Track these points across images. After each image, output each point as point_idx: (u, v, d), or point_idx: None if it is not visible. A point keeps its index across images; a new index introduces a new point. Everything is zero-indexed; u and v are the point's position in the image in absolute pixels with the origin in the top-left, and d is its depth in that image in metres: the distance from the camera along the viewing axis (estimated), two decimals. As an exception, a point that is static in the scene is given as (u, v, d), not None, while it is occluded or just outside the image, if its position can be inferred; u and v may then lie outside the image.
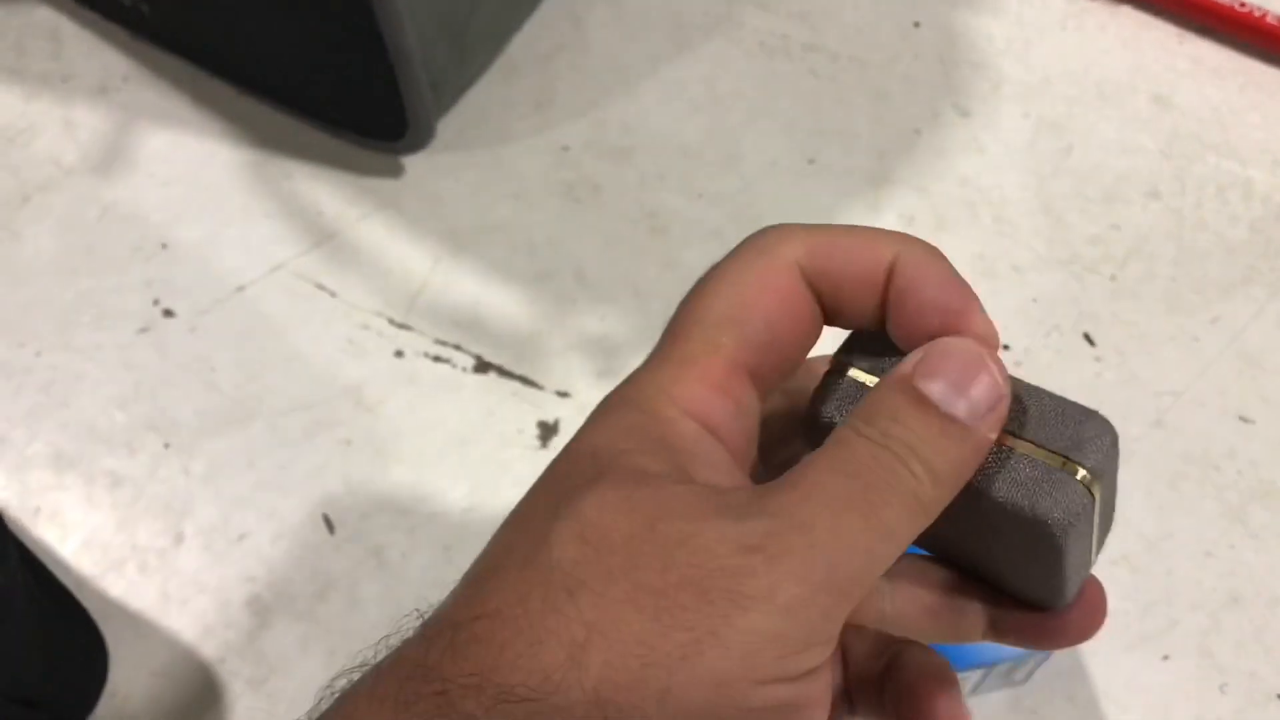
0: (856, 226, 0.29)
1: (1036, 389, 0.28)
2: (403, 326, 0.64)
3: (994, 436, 0.26)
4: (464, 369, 0.63)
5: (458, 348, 0.63)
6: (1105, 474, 0.27)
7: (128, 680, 0.55)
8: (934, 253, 0.28)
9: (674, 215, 0.67)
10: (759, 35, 0.73)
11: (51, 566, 0.57)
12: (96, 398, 0.62)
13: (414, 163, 0.69)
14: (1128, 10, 0.74)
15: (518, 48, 0.73)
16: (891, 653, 0.32)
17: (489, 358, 0.63)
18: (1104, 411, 0.28)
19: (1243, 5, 0.71)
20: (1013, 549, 0.28)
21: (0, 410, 0.62)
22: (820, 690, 0.26)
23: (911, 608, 0.30)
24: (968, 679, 0.51)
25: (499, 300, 0.65)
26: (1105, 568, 0.57)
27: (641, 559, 0.24)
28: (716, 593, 0.24)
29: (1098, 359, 0.63)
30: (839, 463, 0.26)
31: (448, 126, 0.69)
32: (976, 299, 0.28)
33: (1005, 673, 0.52)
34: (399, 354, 0.63)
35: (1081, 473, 0.26)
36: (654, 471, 0.26)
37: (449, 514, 0.59)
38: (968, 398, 0.26)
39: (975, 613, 0.30)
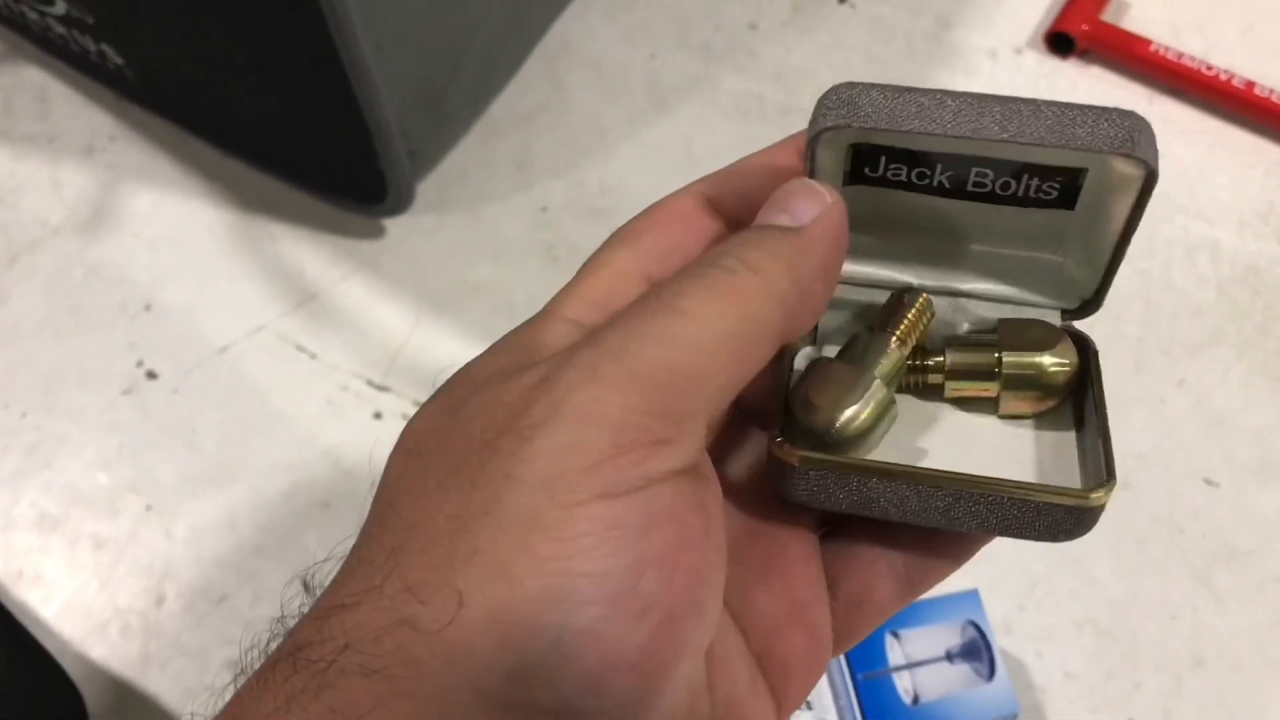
0: (761, 152, 0.30)
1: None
2: (381, 388, 0.65)
3: (830, 237, 0.26)
4: (442, 431, 0.63)
5: (436, 409, 0.64)
6: None
7: (107, 744, 0.56)
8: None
9: (651, 276, 0.68)
10: (735, 97, 0.74)
11: (34, 629, 0.57)
12: (80, 460, 0.63)
13: (395, 224, 0.70)
14: (1098, 71, 0.75)
15: (498, 108, 0.74)
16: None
17: (467, 419, 0.64)
18: None
19: (1210, 68, 0.72)
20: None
21: (-15, 471, 0.63)
22: (669, 511, 0.23)
23: (916, 548, 0.29)
24: (932, 747, 0.52)
25: (477, 361, 0.66)
26: (1071, 631, 0.58)
27: (447, 445, 0.24)
28: (505, 439, 0.22)
29: (1066, 421, 0.64)
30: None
31: (428, 187, 0.70)
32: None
33: (970, 738, 0.53)
34: (378, 415, 0.64)
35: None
36: (495, 369, 0.25)
37: (426, 576, 0.60)
38: (788, 210, 0.26)
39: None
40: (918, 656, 0.52)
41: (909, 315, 0.29)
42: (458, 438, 0.24)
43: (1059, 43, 0.75)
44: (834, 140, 0.27)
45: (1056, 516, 0.27)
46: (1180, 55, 0.73)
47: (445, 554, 0.22)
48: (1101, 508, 0.27)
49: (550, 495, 0.22)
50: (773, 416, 0.28)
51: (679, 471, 0.23)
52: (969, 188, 0.27)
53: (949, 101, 0.26)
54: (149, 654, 0.58)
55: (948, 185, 0.27)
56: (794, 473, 0.27)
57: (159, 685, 0.58)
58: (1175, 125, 0.73)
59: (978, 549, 0.30)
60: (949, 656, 0.52)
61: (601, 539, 0.21)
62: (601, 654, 0.21)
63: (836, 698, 0.51)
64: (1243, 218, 0.70)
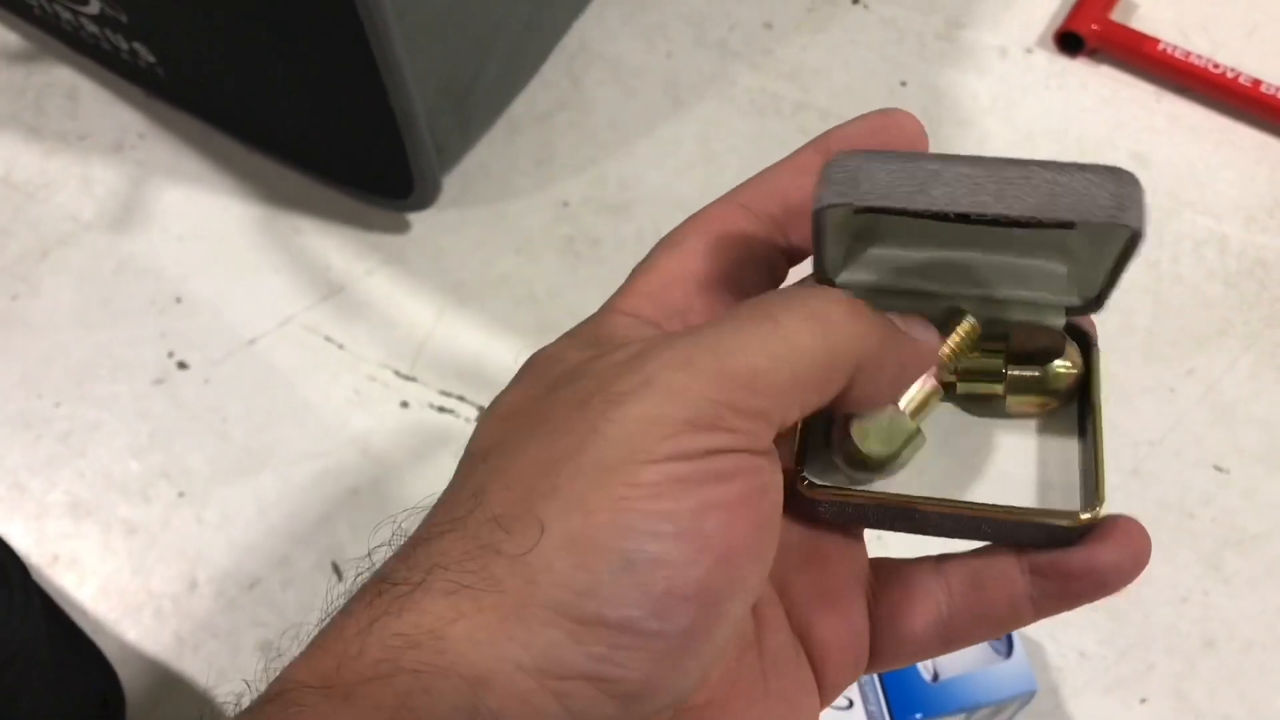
0: (785, 158, 0.31)
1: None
2: (408, 378, 0.66)
3: (920, 355, 0.28)
4: (467, 420, 0.65)
5: (461, 399, 0.66)
6: None
7: (143, 723, 0.58)
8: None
9: (670, 269, 0.69)
10: (751, 94, 0.76)
11: (69, 611, 0.59)
12: (112, 447, 0.65)
13: (419, 218, 0.71)
14: (1107, 70, 0.77)
15: (519, 106, 0.75)
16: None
17: (491, 408, 0.65)
18: None
19: (1217, 66, 0.74)
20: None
21: (19, 459, 0.64)
22: (732, 472, 0.25)
23: (960, 602, 0.30)
24: (951, 723, 0.53)
25: (502, 352, 0.67)
26: (1084, 612, 0.59)
27: (538, 408, 0.26)
28: (595, 400, 0.25)
29: (1078, 410, 0.65)
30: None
31: (451, 183, 0.72)
32: None
33: (988, 717, 0.54)
34: (404, 405, 0.65)
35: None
36: (574, 352, 0.28)
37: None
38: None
39: (1014, 578, 0.30)
40: (937, 635, 0.53)
41: (948, 343, 0.30)
42: (547, 402, 0.26)
43: (1068, 42, 0.77)
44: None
45: (1053, 532, 0.29)
46: (1188, 54, 0.75)
47: (527, 491, 0.24)
48: (1094, 524, 0.29)
49: (629, 450, 0.24)
50: (799, 447, 0.30)
51: (741, 450, 0.25)
52: (972, 218, 0.28)
53: (945, 173, 0.27)
54: (182, 637, 0.60)
55: (953, 216, 0.28)
56: (813, 503, 0.30)
57: (192, 667, 0.59)
58: (1183, 123, 0.75)
59: (1024, 623, 0.31)
60: (967, 635, 0.53)
61: (670, 487, 0.24)
62: (667, 582, 0.23)
63: (858, 675, 0.52)
64: (1250, 213, 0.71)
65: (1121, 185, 0.26)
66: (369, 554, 0.27)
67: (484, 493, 0.25)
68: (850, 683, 0.31)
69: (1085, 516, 0.28)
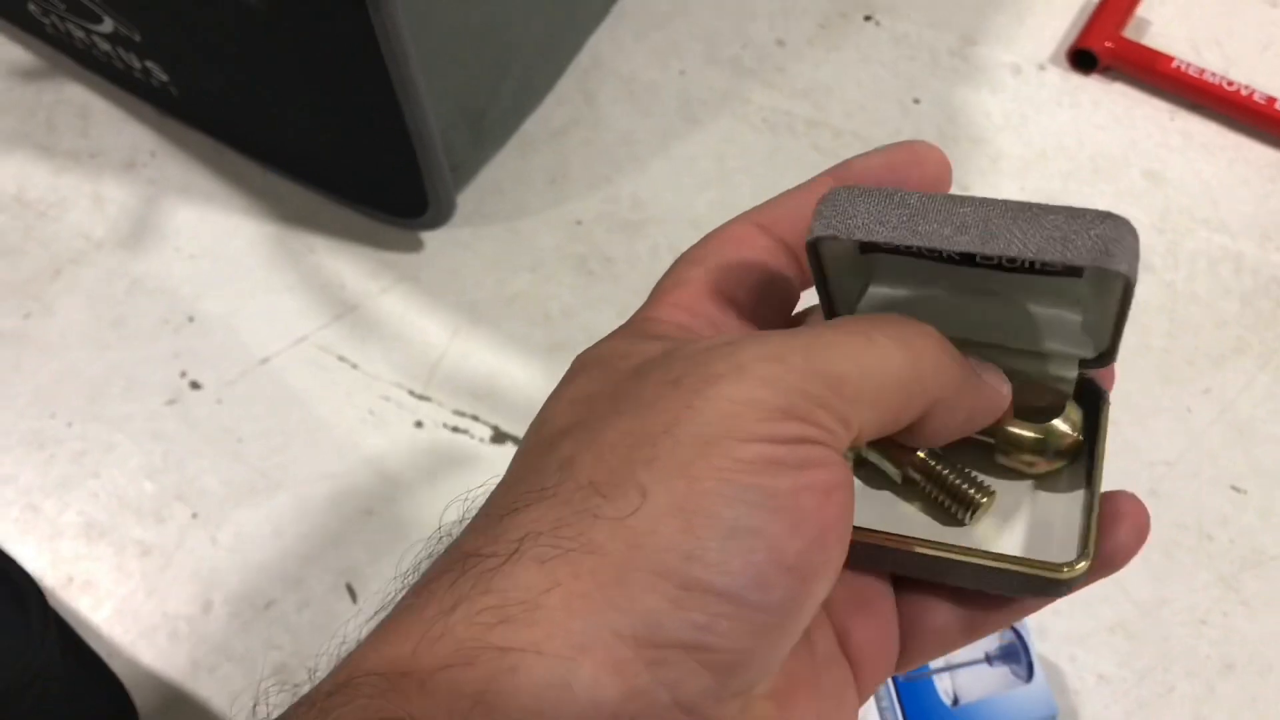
0: (802, 184, 0.32)
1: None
2: (422, 398, 0.66)
3: (993, 404, 0.29)
4: (481, 439, 0.65)
5: (475, 418, 0.65)
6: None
7: (158, 747, 0.57)
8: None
9: (684, 288, 0.69)
10: (764, 112, 0.76)
11: (83, 634, 0.58)
12: (126, 468, 0.64)
13: (433, 237, 0.71)
14: (1121, 87, 0.77)
15: (532, 123, 0.75)
16: None
17: (505, 428, 0.65)
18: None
19: (1230, 84, 0.74)
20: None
21: (33, 480, 0.64)
22: (821, 461, 0.25)
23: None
24: (971, 748, 0.53)
25: (516, 371, 0.67)
26: (1103, 634, 0.59)
27: (621, 390, 0.26)
28: (688, 380, 0.25)
29: (1094, 429, 0.65)
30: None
31: (465, 201, 0.72)
32: None
33: (1007, 740, 0.54)
34: (419, 425, 0.65)
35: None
36: (626, 348, 0.28)
37: (468, 582, 0.61)
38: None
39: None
40: (957, 659, 0.53)
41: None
42: (633, 383, 0.26)
43: (1082, 59, 0.77)
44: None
45: (1039, 583, 0.29)
46: (1201, 71, 0.74)
47: (623, 460, 0.24)
48: (1081, 578, 0.28)
49: (725, 427, 0.24)
50: None
51: (827, 445, 0.26)
52: (977, 261, 0.28)
53: (932, 210, 0.27)
54: (197, 659, 0.60)
55: (958, 259, 0.28)
56: None
57: (208, 689, 0.59)
58: (1197, 140, 0.75)
59: (1033, 609, 0.31)
60: (988, 659, 0.53)
61: (765, 465, 0.24)
62: (768, 552, 0.24)
63: (878, 699, 0.52)
64: (1265, 230, 0.71)
65: (1112, 229, 0.25)
66: (399, 571, 0.26)
67: (572, 465, 0.25)
68: (883, 681, 0.32)
69: (1069, 571, 0.28)
